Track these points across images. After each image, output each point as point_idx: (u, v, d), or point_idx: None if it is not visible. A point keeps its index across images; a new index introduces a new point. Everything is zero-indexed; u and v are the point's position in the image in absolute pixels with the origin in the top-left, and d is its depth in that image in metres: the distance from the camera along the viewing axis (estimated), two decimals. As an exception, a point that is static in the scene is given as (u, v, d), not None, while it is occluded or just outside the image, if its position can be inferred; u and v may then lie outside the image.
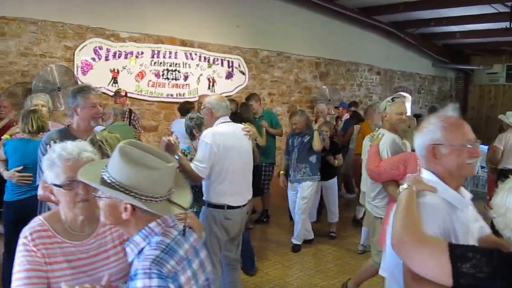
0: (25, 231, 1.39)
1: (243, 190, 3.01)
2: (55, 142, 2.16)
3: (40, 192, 2.16)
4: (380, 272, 3.01)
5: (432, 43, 10.34)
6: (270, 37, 7.55)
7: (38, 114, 3.23)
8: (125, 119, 5.34)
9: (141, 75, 6.25)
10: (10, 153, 3.18)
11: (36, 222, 1.43)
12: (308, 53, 8.22)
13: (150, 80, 6.33)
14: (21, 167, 3.09)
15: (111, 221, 1.28)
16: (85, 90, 2.42)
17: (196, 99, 6.68)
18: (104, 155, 1.98)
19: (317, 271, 4.24)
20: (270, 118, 5.55)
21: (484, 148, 5.72)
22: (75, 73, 5.62)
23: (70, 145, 1.45)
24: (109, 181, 1.23)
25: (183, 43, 6.63)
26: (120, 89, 5.60)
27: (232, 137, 2.92)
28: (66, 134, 2.32)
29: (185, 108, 5.34)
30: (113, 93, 5.63)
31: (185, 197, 1.34)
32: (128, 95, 6.16)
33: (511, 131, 5.28)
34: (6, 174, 3.20)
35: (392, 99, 3.23)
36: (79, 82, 5.62)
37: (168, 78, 6.49)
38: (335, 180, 5.21)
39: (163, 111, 6.53)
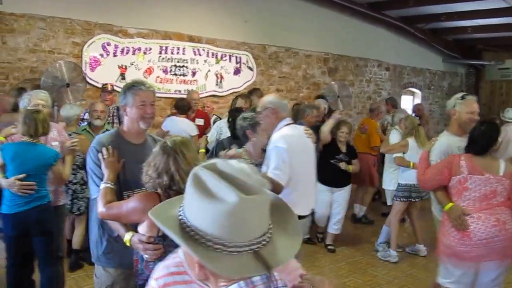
0: (158, 273, 1.05)
1: (310, 198, 2.82)
2: (107, 148, 1.98)
3: (102, 209, 1.89)
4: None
5: (442, 38, 10.18)
6: (278, 33, 7.48)
7: (43, 116, 2.85)
8: (113, 117, 5.11)
9: (149, 71, 6.22)
10: (9, 159, 2.81)
11: (174, 260, 1.06)
12: (316, 49, 8.13)
13: (158, 76, 6.30)
14: (23, 175, 2.75)
15: (194, 274, 0.96)
16: (134, 86, 2.09)
17: (204, 95, 6.70)
18: (181, 170, 1.68)
19: (328, 270, 4.19)
20: None
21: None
22: (83, 69, 5.60)
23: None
24: (183, 224, 0.89)
25: (191, 39, 6.59)
26: (106, 84, 5.27)
27: (300, 141, 2.73)
28: (118, 138, 2.10)
29: (183, 106, 5.09)
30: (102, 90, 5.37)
31: (285, 249, 0.89)
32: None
33: (508, 125, 5.42)
34: (4, 183, 2.80)
35: (463, 97, 2.94)
36: (87, 79, 5.61)
37: (176, 74, 6.45)
38: (346, 189, 4.73)
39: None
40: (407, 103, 10.45)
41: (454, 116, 2.96)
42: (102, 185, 1.94)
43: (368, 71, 9.13)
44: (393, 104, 7.05)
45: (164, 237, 1.65)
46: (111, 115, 5.16)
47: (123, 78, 5.98)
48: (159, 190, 1.72)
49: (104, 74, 5.72)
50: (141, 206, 1.69)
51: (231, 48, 7.00)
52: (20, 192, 2.75)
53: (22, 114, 2.85)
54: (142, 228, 1.73)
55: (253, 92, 5.55)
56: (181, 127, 4.81)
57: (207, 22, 6.69)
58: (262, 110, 2.76)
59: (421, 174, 2.86)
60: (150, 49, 6.19)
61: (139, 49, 6.10)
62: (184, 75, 6.53)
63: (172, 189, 1.69)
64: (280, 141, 2.57)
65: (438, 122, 10.97)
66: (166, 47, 6.34)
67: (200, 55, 6.66)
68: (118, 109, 5.27)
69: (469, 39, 10.29)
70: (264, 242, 0.86)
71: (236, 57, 7.07)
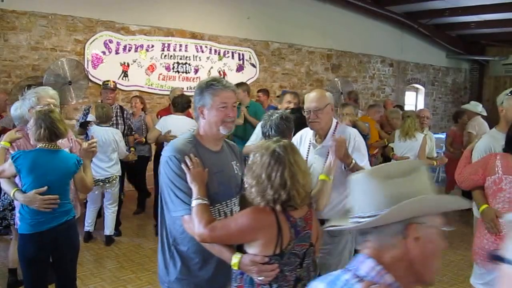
0: None
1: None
2: (189, 156, 1.70)
3: (203, 230, 1.57)
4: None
5: (446, 33, 10.13)
6: (281, 29, 7.44)
7: (59, 115, 2.43)
8: (117, 118, 4.58)
9: (151, 68, 6.19)
10: (27, 170, 2.32)
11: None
12: (319, 45, 8.09)
13: (160, 74, 6.27)
14: (44, 188, 2.30)
15: None
16: (213, 85, 1.78)
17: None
18: (296, 183, 1.51)
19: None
20: (255, 110, 4.94)
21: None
22: (86, 66, 5.58)
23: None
24: None
25: (194, 36, 6.56)
26: (108, 81, 4.71)
27: None
28: (196, 144, 1.80)
29: (182, 102, 4.40)
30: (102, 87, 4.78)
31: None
32: (139, 89, 6.12)
33: (479, 119, 5.53)
34: (21, 198, 2.32)
35: (511, 92, 2.78)
36: (90, 76, 5.58)
37: (178, 71, 6.42)
38: None
39: (174, 105, 6.47)
40: (411, 99, 10.40)
41: (502, 113, 2.79)
42: (195, 202, 1.63)
43: (372, 67, 9.09)
44: (355, 98, 6.75)
45: (281, 255, 1.51)
46: (114, 115, 4.56)
47: (126, 76, 5.96)
48: (272, 205, 1.53)
49: (106, 72, 5.70)
50: (255, 223, 1.51)
51: (233, 45, 6.97)
52: (42, 208, 2.31)
53: (35, 117, 2.36)
54: (254, 248, 1.54)
55: (238, 86, 5.00)
56: (174, 124, 4.24)
57: (210, 19, 6.65)
58: (323, 107, 2.39)
59: (458, 173, 2.71)
60: (153, 46, 6.16)
61: (142, 46, 6.07)
62: (186, 72, 6.50)
63: (289, 204, 1.52)
64: (358, 135, 2.52)
65: (442, 118, 10.92)
66: (169, 44, 6.30)
67: (202, 52, 6.63)
68: (121, 108, 4.77)
69: (472, 35, 10.22)
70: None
71: (239, 53, 7.03)
